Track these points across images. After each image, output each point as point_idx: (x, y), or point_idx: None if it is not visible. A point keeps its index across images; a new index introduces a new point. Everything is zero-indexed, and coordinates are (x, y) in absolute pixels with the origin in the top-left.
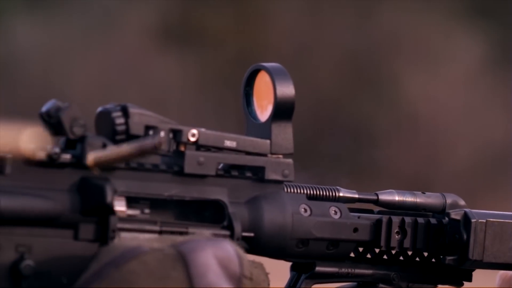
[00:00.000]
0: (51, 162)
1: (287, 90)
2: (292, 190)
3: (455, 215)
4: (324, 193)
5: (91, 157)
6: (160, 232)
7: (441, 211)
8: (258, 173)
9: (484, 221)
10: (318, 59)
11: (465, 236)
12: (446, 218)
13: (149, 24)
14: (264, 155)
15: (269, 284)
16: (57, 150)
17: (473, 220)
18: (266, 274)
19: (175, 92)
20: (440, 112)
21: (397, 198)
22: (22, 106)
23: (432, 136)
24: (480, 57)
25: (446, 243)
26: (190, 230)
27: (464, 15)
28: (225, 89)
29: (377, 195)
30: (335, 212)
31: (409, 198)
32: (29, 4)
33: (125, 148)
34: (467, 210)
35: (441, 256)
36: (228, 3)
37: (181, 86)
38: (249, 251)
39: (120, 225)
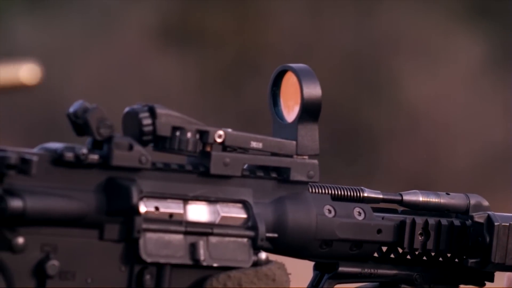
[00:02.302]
0: (78, 162)
1: (314, 91)
2: (316, 190)
3: (479, 218)
4: (349, 194)
5: None
6: (185, 233)
7: (464, 212)
8: (283, 174)
9: (507, 224)
10: (318, 59)
11: (488, 239)
12: (470, 221)
13: (149, 24)
14: (290, 156)
15: (289, 284)
16: (84, 151)
17: (496, 224)
18: (288, 275)
19: (175, 92)
20: (440, 112)
21: (421, 198)
22: (22, 106)
23: (432, 136)
24: (480, 57)
25: (469, 245)
26: (215, 231)
27: (464, 15)
28: (225, 89)
29: (401, 195)
30: (359, 213)
31: (433, 199)
32: (29, 4)
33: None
34: (490, 213)
35: (464, 256)
36: (228, 3)
37: (181, 86)
38: (272, 251)
39: (145, 226)
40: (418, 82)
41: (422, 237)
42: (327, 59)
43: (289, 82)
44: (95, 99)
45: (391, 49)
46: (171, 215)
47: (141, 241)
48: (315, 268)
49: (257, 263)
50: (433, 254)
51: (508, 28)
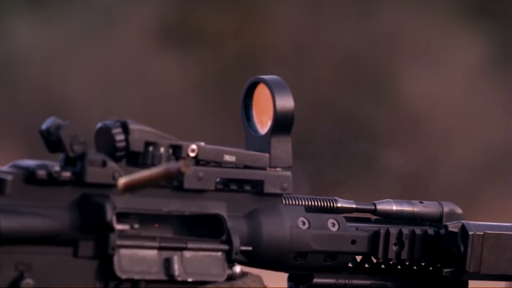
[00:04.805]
0: (51, 180)
1: (286, 103)
2: (290, 202)
3: (453, 227)
4: (322, 204)
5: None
6: (160, 248)
7: (438, 220)
8: (257, 187)
9: (482, 233)
10: (318, 59)
11: (462, 249)
12: (444, 230)
13: (149, 24)
14: (263, 168)
15: None
16: (57, 168)
17: (470, 233)
18: (265, 287)
19: (175, 92)
20: (440, 112)
21: (394, 207)
22: (22, 106)
23: (432, 136)
24: (480, 57)
25: (443, 254)
26: (189, 245)
27: (464, 15)
28: (225, 89)
29: (374, 205)
30: (333, 224)
31: (406, 208)
32: (29, 5)
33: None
34: (464, 222)
35: (438, 265)
36: (228, 3)
37: (181, 86)
38: (247, 264)
39: (119, 242)
40: (418, 82)
41: (396, 247)
42: (327, 59)
43: (262, 93)
44: (95, 99)
45: (391, 49)
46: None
47: (115, 258)
48: (290, 279)
49: (232, 277)
50: (407, 263)
51: (508, 28)
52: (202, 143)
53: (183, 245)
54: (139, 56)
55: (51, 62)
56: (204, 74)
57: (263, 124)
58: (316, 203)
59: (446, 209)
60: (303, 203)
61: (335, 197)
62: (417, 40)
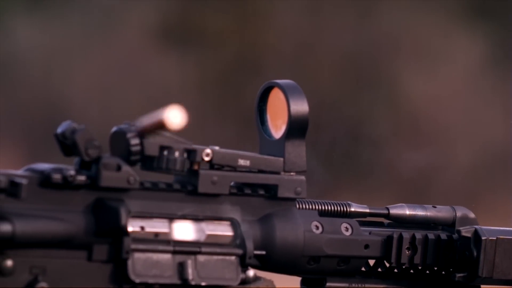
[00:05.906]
0: (66, 184)
1: (301, 108)
2: (304, 206)
3: (466, 232)
4: (336, 209)
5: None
6: (174, 252)
7: (450, 224)
8: (271, 191)
9: (495, 238)
10: (318, 59)
11: (475, 254)
12: (456, 234)
13: (149, 24)
14: (277, 173)
15: None
16: (72, 172)
17: (483, 238)
18: None
19: (175, 92)
20: (440, 112)
21: (407, 212)
22: (22, 106)
23: (432, 136)
24: (480, 57)
25: (456, 259)
26: (203, 249)
27: (464, 15)
28: (225, 89)
29: (388, 209)
30: (347, 229)
31: (419, 212)
32: (29, 5)
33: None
34: (477, 227)
35: (451, 270)
36: (228, 3)
37: (181, 86)
38: (260, 268)
39: (133, 246)
40: (418, 82)
41: (409, 252)
42: (327, 59)
43: (276, 98)
44: (95, 99)
45: (391, 49)
46: (156, 234)
47: (129, 262)
48: (302, 283)
49: (245, 281)
50: (420, 268)
51: (508, 28)
52: (217, 147)
53: (197, 249)
54: (139, 56)
55: (51, 62)
56: (204, 74)
57: (277, 128)
58: (329, 208)
59: (459, 214)
60: (317, 207)
61: (349, 202)
62: (417, 40)
